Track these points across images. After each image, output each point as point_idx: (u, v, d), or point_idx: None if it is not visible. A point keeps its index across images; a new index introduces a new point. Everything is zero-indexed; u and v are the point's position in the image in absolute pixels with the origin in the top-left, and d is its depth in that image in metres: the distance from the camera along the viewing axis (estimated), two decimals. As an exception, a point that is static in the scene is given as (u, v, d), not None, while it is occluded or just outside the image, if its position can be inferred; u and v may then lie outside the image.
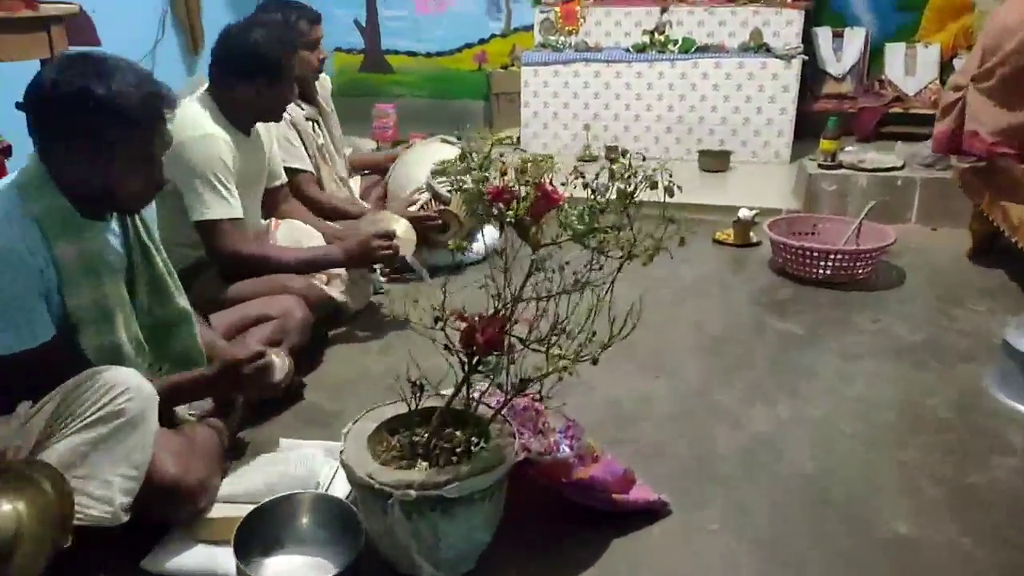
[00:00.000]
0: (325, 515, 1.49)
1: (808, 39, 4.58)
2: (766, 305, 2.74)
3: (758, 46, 4.37)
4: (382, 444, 1.47)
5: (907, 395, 2.14)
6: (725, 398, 2.11)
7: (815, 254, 2.80)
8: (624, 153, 1.33)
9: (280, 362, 1.80)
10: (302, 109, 2.83)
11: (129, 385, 1.45)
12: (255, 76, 2.18)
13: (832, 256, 2.79)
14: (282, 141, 2.66)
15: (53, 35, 2.45)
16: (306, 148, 2.81)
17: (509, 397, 1.37)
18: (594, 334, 1.31)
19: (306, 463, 1.69)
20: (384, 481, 1.32)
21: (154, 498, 1.46)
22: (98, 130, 1.42)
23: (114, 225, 1.60)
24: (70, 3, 2.52)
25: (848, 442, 1.91)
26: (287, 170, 2.63)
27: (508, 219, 1.34)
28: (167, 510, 1.50)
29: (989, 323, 2.50)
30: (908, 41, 4.72)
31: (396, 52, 5.57)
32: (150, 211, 1.75)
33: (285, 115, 2.67)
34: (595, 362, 1.31)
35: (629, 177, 1.33)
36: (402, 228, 2.60)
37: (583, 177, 1.32)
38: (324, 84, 3.07)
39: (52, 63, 1.43)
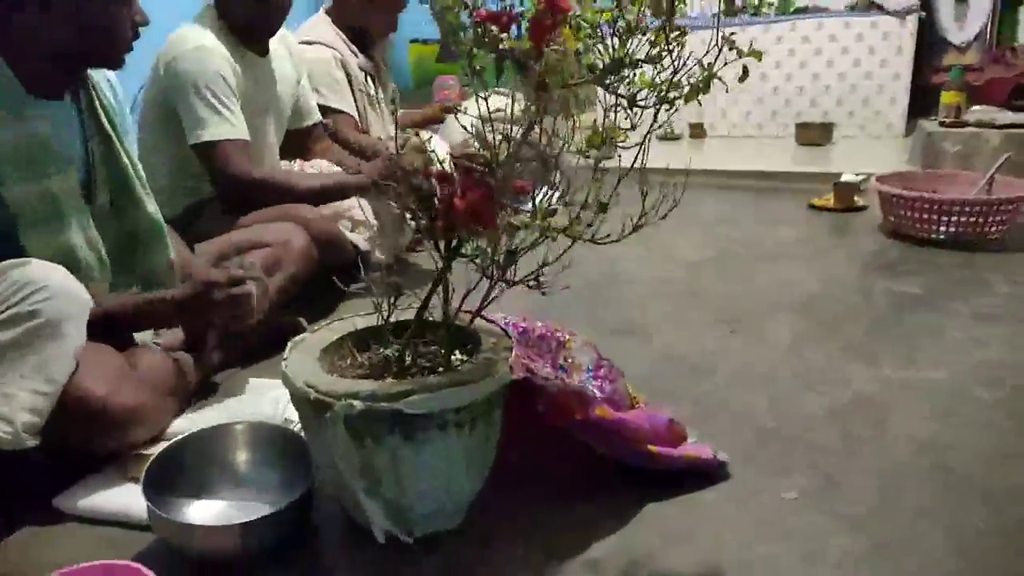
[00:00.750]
0: (272, 450, 1.17)
1: (926, 3, 4.04)
2: (874, 266, 2.26)
3: (869, 3, 3.87)
4: (345, 360, 1.14)
5: (1061, 363, 1.64)
6: (817, 356, 1.67)
7: (939, 206, 2.30)
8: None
9: (260, 289, 1.50)
10: (357, 57, 2.58)
11: (48, 284, 1.17)
12: None
13: (960, 208, 2.28)
14: (325, 78, 2.41)
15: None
16: (354, 95, 2.55)
17: (493, 283, 1.00)
18: (605, 206, 0.94)
19: (276, 401, 1.38)
20: (324, 389, 0.97)
21: (73, 421, 1.17)
22: None
23: (68, 108, 1.35)
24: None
25: (981, 409, 1.43)
26: (326, 109, 2.37)
27: (504, 49, 1.00)
28: (88, 438, 1.21)
29: None
30: (1048, 2, 4.11)
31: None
32: (117, 102, 1.49)
33: (335, 54, 2.45)
34: (603, 208, 0.93)
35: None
36: (441, 147, 2.27)
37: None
38: (388, 39, 2.82)
39: None
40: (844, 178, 2.85)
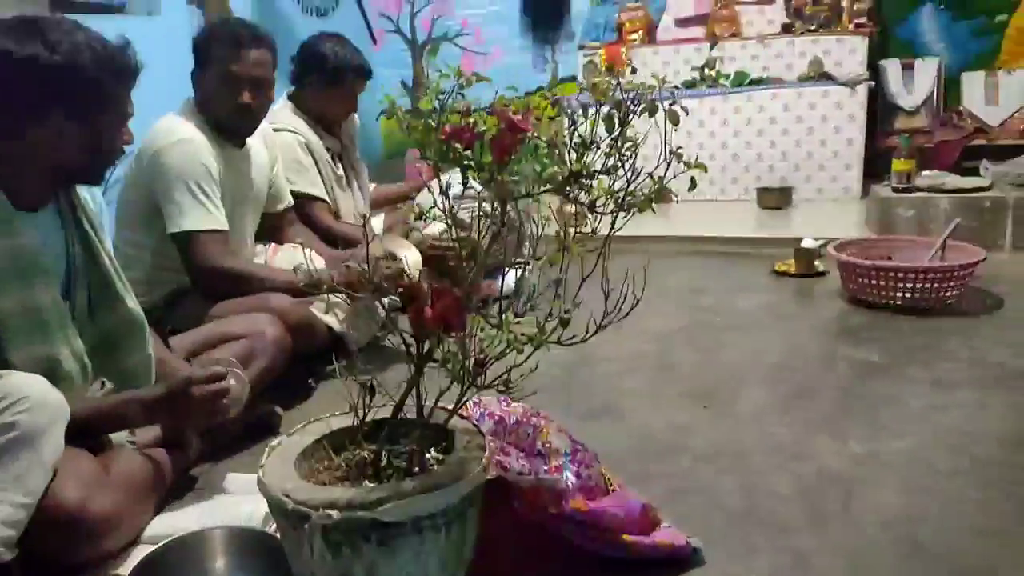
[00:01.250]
0: (250, 556, 1.18)
1: (875, 72, 4.24)
2: (836, 333, 2.33)
3: (819, 75, 4.05)
4: (322, 463, 1.16)
5: (1017, 427, 1.70)
6: (784, 430, 1.71)
7: (896, 274, 2.39)
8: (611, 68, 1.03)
9: (239, 388, 1.52)
10: (321, 139, 2.65)
11: (27, 394, 1.19)
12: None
13: (916, 275, 2.37)
14: (292, 164, 2.47)
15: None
16: (321, 176, 2.61)
17: (465, 388, 1.04)
18: (567, 312, 0.98)
19: (254, 499, 1.38)
20: (301, 499, 1.00)
21: (49, 531, 1.18)
22: (54, 97, 1.26)
23: (52, 216, 1.39)
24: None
25: (946, 480, 1.48)
26: (298, 195, 2.42)
27: (468, 162, 1.06)
28: (64, 547, 1.21)
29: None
30: (988, 68, 4.33)
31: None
32: (95, 202, 1.53)
33: (299, 139, 2.52)
34: (564, 323, 0.97)
35: (619, 101, 1.02)
36: (411, 254, 2.33)
37: (557, 100, 1.02)
38: (352, 120, 2.90)
39: None
40: (804, 244, 2.95)
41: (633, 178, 1.05)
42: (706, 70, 4.28)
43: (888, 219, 3.16)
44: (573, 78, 4.85)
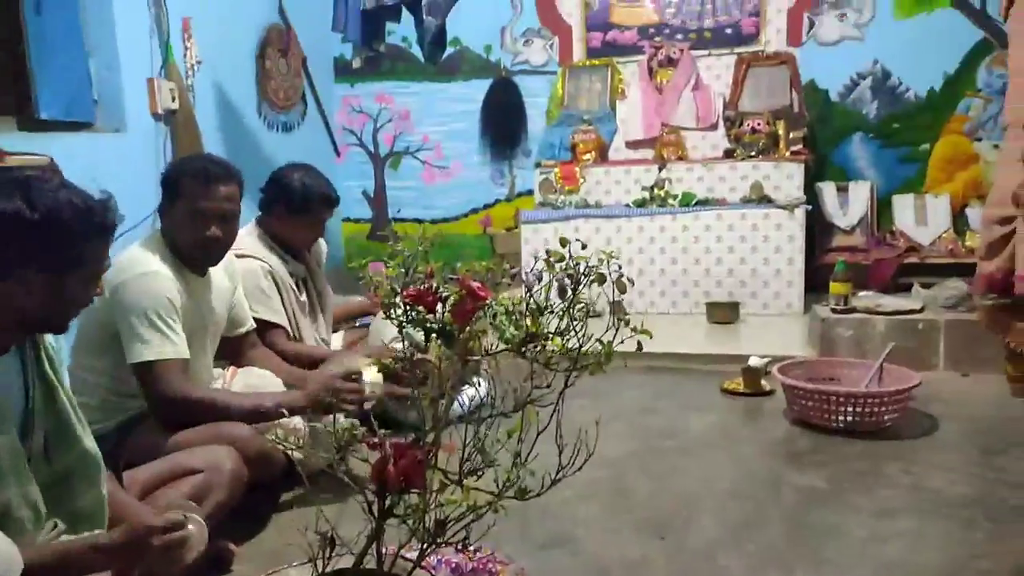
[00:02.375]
0: None
1: (812, 194, 4.52)
2: (782, 457, 2.41)
3: (760, 198, 4.30)
4: (280, 616, 1.17)
5: (956, 558, 1.77)
6: (732, 563, 1.76)
7: (836, 399, 2.50)
8: (564, 243, 1.13)
9: (198, 533, 1.52)
10: (287, 264, 2.71)
11: (-19, 549, 1.18)
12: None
13: (856, 400, 2.49)
14: (254, 291, 2.51)
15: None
16: (284, 303, 2.65)
17: (425, 546, 1.07)
18: (520, 464, 1.04)
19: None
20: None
21: None
22: (31, 253, 1.29)
23: (13, 359, 1.40)
24: (40, 155, 2.49)
25: (887, 616, 1.54)
26: (258, 321, 2.46)
27: (431, 325, 1.13)
28: None
29: (1044, 473, 2.16)
30: (916, 192, 4.65)
31: (403, 220, 5.62)
32: (55, 339, 1.55)
33: (263, 266, 2.57)
34: (523, 494, 1.02)
35: (571, 272, 1.12)
36: (371, 372, 2.36)
37: (512, 269, 1.11)
38: (319, 244, 2.98)
39: None
40: (751, 362, 3.06)
41: (585, 340, 1.13)
42: (655, 190, 4.50)
43: (829, 338, 3.31)
44: (531, 193, 5.06)
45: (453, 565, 1.33)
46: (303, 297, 2.72)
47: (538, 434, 1.13)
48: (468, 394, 2.70)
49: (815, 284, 4.22)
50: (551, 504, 2.11)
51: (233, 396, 2.11)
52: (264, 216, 2.66)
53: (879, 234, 4.63)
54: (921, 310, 3.30)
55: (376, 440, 1.09)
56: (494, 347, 1.15)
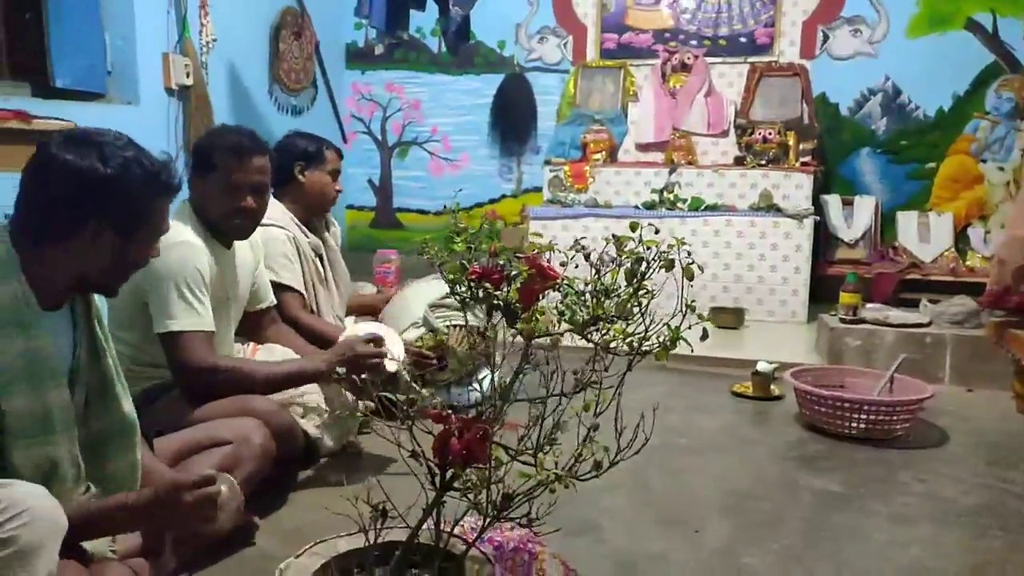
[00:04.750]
0: None
1: (818, 206, 4.55)
2: (795, 460, 2.42)
3: (769, 206, 4.33)
4: (329, 587, 1.16)
5: (974, 566, 1.80)
6: (755, 561, 1.77)
7: (849, 405, 2.52)
8: (634, 227, 1.13)
9: (229, 493, 1.51)
10: (308, 238, 2.71)
11: (27, 506, 1.16)
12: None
13: (868, 408, 2.51)
14: (279, 258, 2.51)
15: (44, 150, 2.37)
16: (305, 270, 2.65)
17: (489, 520, 1.07)
18: (592, 440, 1.05)
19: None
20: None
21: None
22: (101, 208, 1.30)
23: (65, 316, 1.39)
24: (66, 120, 2.47)
25: (912, 618, 1.55)
26: (276, 285, 2.45)
27: (497, 302, 1.13)
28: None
29: (1054, 487, 2.19)
30: (920, 209, 4.70)
31: (407, 210, 5.60)
32: (102, 300, 1.54)
33: (287, 234, 2.57)
34: (598, 468, 1.03)
35: (639, 255, 1.12)
36: (392, 338, 2.35)
37: (584, 250, 1.11)
38: (335, 233, 2.98)
39: (56, 137, 1.33)
40: (760, 367, 3.08)
41: (649, 324, 1.13)
42: (665, 193, 4.52)
43: (836, 347, 3.34)
44: (538, 189, 5.06)
45: (495, 543, 1.33)
46: (322, 270, 2.72)
47: (597, 414, 1.13)
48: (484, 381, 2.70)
49: (816, 295, 4.26)
50: (574, 492, 2.13)
51: (254, 364, 2.10)
52: (283, 186, 2.64)
53: (882, 249, 4.68)
54: (928, 324, 3.34)
55: (441, 413, 1.08)
56: (555, 327, 1.15)
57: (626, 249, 1.11)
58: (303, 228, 2.67)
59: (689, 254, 1.11)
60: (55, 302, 1.34)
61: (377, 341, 2.16)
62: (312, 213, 2.71)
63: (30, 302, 1.28)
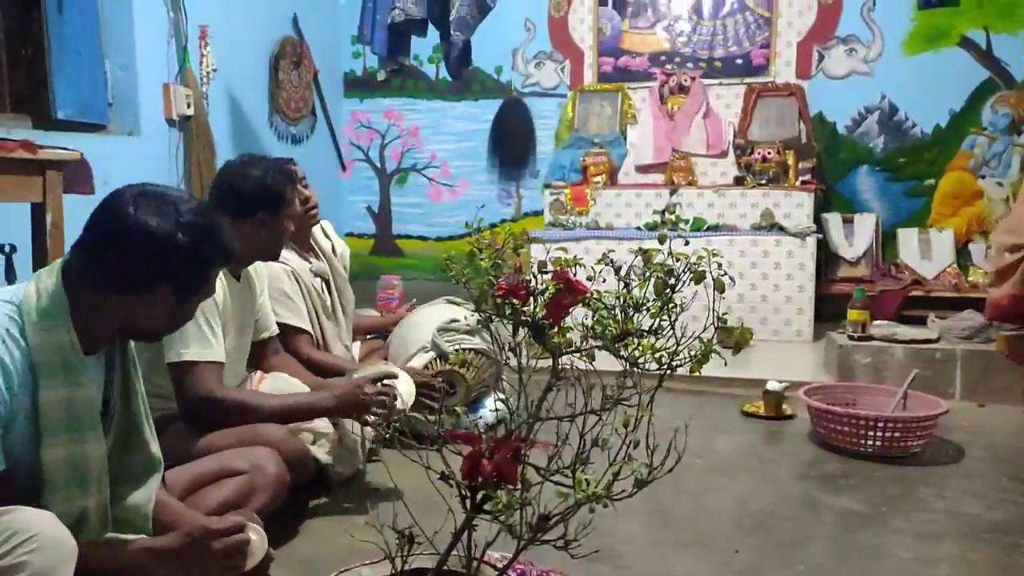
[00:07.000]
0: None
1: (818, 224, 4.55)
2: (814, 479, 2.39)
3: (770, 225, 4.33)
4: (355, 617, 1.12)
5: (1005, 582, 1.76)
6: (783, 582, 1.73)
7: (865, 423, 2.49)
8: (662, 239, 1.11)
9: (258, 541, 1.47)
10: (309, 263, 2.67)
11: (38, 532, 1.14)
12: (258, 209, 2.05)
13: (885, 425, 2.48)
14: (278, 294, 2.47)
15: (48, 179, 2.35)
16: (309, 304, 2.61)
17: (523, 544, 1.04)
18: (631, 457, 1.02)
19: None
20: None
21: None
22: (174, 274, 1.32)
23: (100, 361, 1.38)
24: (72, 150, 2.45)
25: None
26: (281, 326, 2.41)
27: (524, 319, 1.10)
28: None
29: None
30: (921, 226, 4.70)
31: (407, 237, 5.59)
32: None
33: (286, 267, 2.52)
34: (640, 485, 1.00)
35: (669, 268, 1.10)
36: (402, 379, 2.31)
37: (612, 264, 1.09)
38: (343, 256, 2.94)
39: (128, 193, 1.31)
40: (770, 386, 3.05)
41: (680, 338, 1.11)
42: (666, 214, 4.52)
43: (847, 365, 3.31)
44: (537, 213, 5.06)
45: (519, 571, 1.29)
46: (326, 299, 2.68)
47: (629, 431, 1.10)
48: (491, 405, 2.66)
49: (819, 314, 4.25)
50: (592, 519, 2.09)
51: (264, 397, 2.06)
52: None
53: (884, 266, 4.67)
54: (937, 340, 3.32)
55: (471, 433, 1.05)
56: (583, 343, 1.13)
57: (655, 262, 1.09)
58: (303, 254, 2.63)
59: (720, 266, 1.09)
60: (96, 348, 1.34)
61: (386, 381, 2.12)
62: (294, 240, 2.63)
63: (76, 348, 1.26)
